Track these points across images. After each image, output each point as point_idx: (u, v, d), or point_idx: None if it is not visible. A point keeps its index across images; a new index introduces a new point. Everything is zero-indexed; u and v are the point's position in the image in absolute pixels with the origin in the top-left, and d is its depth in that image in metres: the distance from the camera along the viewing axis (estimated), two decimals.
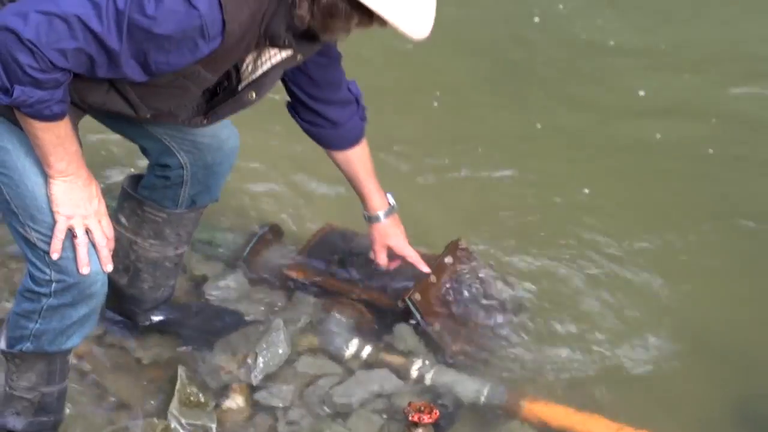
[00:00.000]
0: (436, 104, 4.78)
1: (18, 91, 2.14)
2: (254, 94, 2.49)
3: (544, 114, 4.70)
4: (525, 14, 5.28)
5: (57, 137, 2.30)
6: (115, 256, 2.79)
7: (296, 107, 2.84)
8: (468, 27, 5.03)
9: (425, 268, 3.11)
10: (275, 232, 3.48)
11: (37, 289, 2.51)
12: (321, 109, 2.79)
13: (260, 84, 2.48)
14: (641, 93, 4.71)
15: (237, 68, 2.47)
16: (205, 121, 2.59)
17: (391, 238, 3.06)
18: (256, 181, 3.91)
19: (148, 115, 2.54)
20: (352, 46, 2.62)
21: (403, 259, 3.09)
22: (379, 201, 3.00)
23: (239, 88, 2.48)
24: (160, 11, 2.09)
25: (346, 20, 2.24)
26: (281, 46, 2.38)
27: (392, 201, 3.05)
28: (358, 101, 2.87)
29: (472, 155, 4.31)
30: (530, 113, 4.73)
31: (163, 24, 2.12)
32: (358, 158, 2.93)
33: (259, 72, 2.45)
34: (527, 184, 4.09)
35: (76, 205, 2.41)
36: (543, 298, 3.49)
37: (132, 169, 3.64)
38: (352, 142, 2.90)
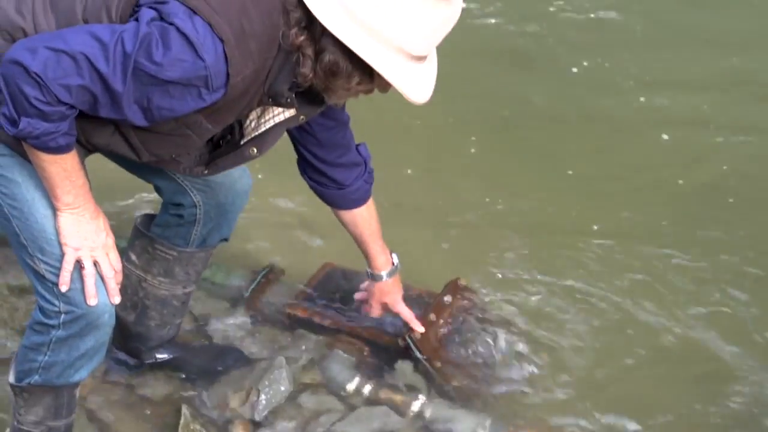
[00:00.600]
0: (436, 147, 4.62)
1: (24, 122, 2.15)
2: (255, 150, 2.51)
3: (551, 156, 4.60)
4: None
5: (64, 170, 2.30)
6: (124, 293, 2.80)
7: (303, 165, 2.86)
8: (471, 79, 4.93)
9: (419, 327, 3.10)
10: (277, 271, 3.47)
11: (46, 321, 2.51)
12: (327, 170, 2.81)
13: (262, 141, 2.49)
14: (665, 137, 4.63)
15: (240, 123, 2.49)
16: (206, 171, 2.60)
17: (390, 295, 3.09)
18: (259, 219, 3.87)
19: (150, 161, 2.56)
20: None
21: (398, 315, 3.12)
22: (384, 261, 3.02)
23: (241, 142, 2.49)
24: (167, 58, 2.11)
25: (347, 79, 2.26)
26: (284, 105, 2.40)
27: (396, 261, 3.07)
28: (366, 164, 2.87)
29: (471, 193, 4.27)
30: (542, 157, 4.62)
31: (168, 71, 2.13)
32: (363, 219, 2.94)
33: (262, 129, 2.46)
34: (529, 223, 4.06)
35: (84, 237, 2.41)
36: (542, 337, 3.45)
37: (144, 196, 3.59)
38: (357, 203, 2.91)
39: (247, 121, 2.48)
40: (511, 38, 5.46)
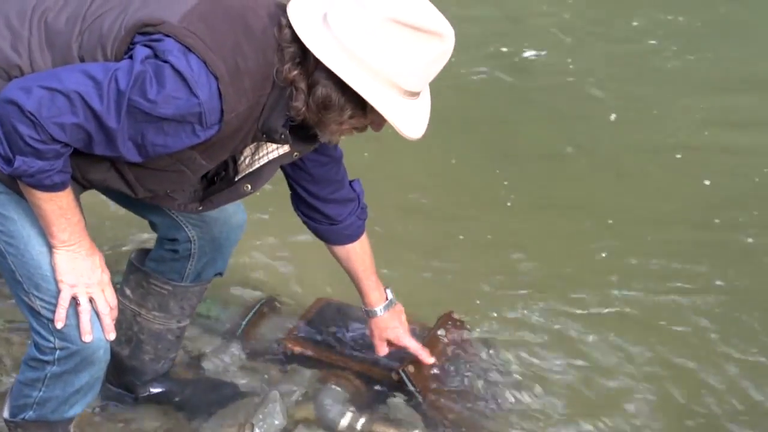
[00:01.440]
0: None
1: (19, 161, 2.15)
2: (249, 186, 2.52)
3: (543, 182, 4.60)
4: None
5: (59, 208, 2.30)
6: (118, 327, 2.77)
7: (296, 201, 2.85)
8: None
9: (428, 359, 3.07)
10: (271, 305, 3.46)
11: (41, 357, 2.50)
12: (319, 205, 2.80)
13: (256, 177, 2.50)
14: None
15: (235, 159, 2.50)
16: (200, 208, 2.60)
17: (390, 331, 3.04)
18: (252, 254, 3.90)
19: (145, 197, 2.55)
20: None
21: (404, 349, 3.07)
22: (377, 297, 2.99)
23: (236, 179, 2.50)
24: (161, 96, 2.11)
25: (340, 113, 2.26)
26: (278, 141, 2.40)
27: (390, 295, 3.04)
28: (359, 200, 2.87)
29: (462, 224, 4.29)
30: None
31: (162, 108, 2.13)
32: (356, 254, 2.93)
33: (256, 165, 2.47)
34: (522, 258, 4.03)
35: (80, 274, 2.41)
36: (536, 368, 3.46)
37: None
38: (350, 238, 2.90)
39: (242, 158, 2.48)
40: None
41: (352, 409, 3.10)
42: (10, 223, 2.36)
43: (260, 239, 3.99)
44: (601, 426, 3.25)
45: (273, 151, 2.48)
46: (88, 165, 2.34)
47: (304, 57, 2.18)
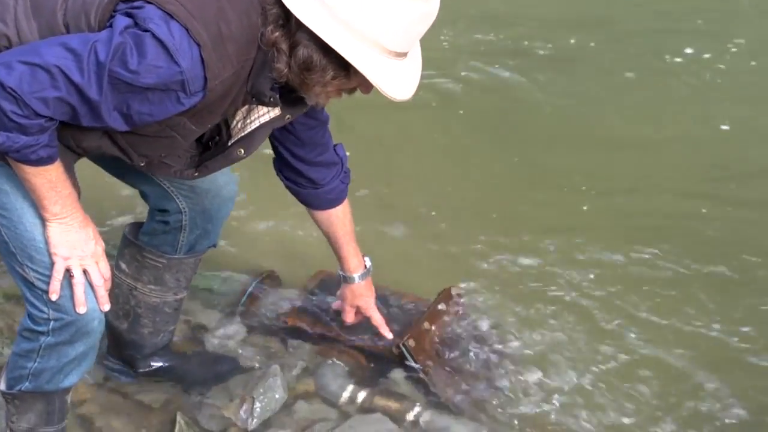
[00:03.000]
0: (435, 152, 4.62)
1: (3, 136, 2.15)
2: (243, 151, 2.50)
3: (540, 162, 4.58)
4: None
5: (48, 181, 2.30)
6: (116, 302, 2.90)
7: (280, 164, 2.85)
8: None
9: (388, 333, 3.12)
10: (272, 279, 3.46)
11: (35, 327, 2.50)
12: (303, 169, 2.80)
13: (249, 141, 2.49)
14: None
15: (228, 124, 2.48)
16: (196, 174, 2.59)
17: (362, 299, 3.08)
18: (252, 227, 3.90)
19: (142, 164, 2.54)
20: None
21: (368, 319, 3.11)
22: (356, 263, 3.01)
23: (229, 143, 2.48)
24: (142, 66, 2.11)
25: (322, 74, 2.23)
26: (268, 104, 2.40)
27: (369, 264, 3.08)
28: (342, 163, 2.87)
29: (463, 201, 4.28)
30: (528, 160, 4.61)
31: (144, 78, 2.13)
32: (337, 219, 2.93)
33: (248, 129, 2.45)
34: (524, 232, 4.02)
35: (73, 246, 2.41)
36: (536, 345, 3.43)
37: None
38: (332, 203, 2.90)
39: (234, 122, 2.48)
40: None
41: (352, 382, 3.11)
42: (3, 195, 2.37)
43: (260, 212, 3.97)
44: (604, 405, 3.24)
45: (264, 114, 2.46)
46: (81, 133, 2.35)
47: (287, 19, 2.16)
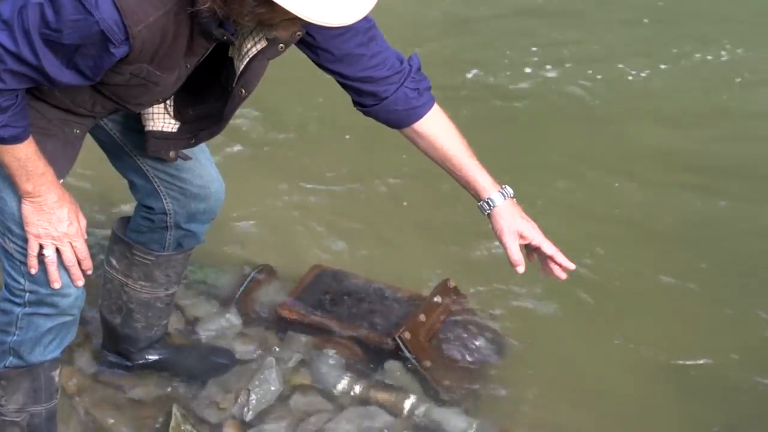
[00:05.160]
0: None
1: None
2: (243, 90, 2.43)
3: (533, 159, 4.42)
4: None
5: (17, 160, 2.30)
6: (108, 297, 2.95)
7: (350, 94, 2.57)
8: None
9: (569, 264, 2.52)
10: (268, 271, 3.43)
11: (11, 298, 2.53)
12: (357, 86, 2.53)
13: (245, 79, 2.41)
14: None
15: (233, 66, 2.42)
16: (216, 124, 2.53)
17: (521, 224, 2.52)
18: (249, 220, 3.84)
19: (139, 111, 2.51)
20: None
21: (539, 252, 2.52)
22: (489, 181, 2.51)
23: (232, 85, 2.43)
24: (61, 23, 2.08)
25: (240, 3, 2.09)
26: (222, 41, 2.28)
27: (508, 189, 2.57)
28: (403, 70, 2.54)
29: (460, 196, 4.23)
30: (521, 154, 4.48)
31: (67, 34, 2.10)
32: (433, 132, 2.55)
33: (240, 67, 2.40)
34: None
35: (44, 226, 2.41)
36: (529, 338, 3.44)
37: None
38: (410, 115, 2.54)
39: (235, 64, 2.43)
40: None
41: (348, 374, 3.11)
42: None
43: (255, 206, 3.94)
44: (593, 390, 3.22)
45: (251, 48, 2.38)
46: (73, 96, 2.36)
47: None
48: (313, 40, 2.39)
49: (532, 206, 3.88)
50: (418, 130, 2.52)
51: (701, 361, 3.50)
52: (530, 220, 2.50)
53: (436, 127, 2.52)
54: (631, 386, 3.30)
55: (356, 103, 2.53)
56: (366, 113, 2.53)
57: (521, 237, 2.46)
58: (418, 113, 2.50)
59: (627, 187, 4.35)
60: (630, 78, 5.03)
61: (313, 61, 2.45)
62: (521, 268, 2.45)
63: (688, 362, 3.47)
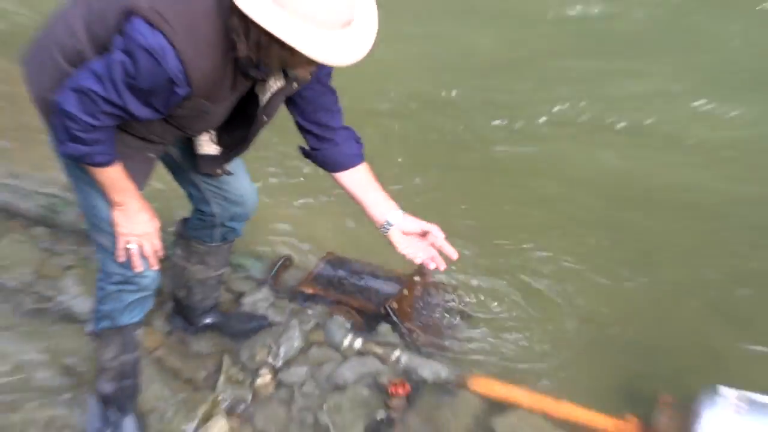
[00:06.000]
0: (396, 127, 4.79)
1: (71, 147, 2.43)
2: (265, 117, 2.62)
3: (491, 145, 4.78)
4: None
5: (108, 179, 2.54)
6: (175, 279, 3.27)
7: (306, 139, 2.78)
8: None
9: (453, 254, 2.70)
10: (290, 260, 3.79)
11: (106, 279, 2.82)
12: (319, 132, 2.74)
13: (268, 109, 2.60)
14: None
15: (257, 100, 2.58)
16: (243, 145, 2.71)
17: (412, 225, 2.75)
18: (277, 222, 4.15)
19: (197, 135, 2.72)
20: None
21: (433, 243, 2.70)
22: (391, 204, 2.76)
23: (257, 113, 2.59)
24: (139, 73, 2.26)
25: (267, 51, 2.28)
26: (258, 78, 2.47)
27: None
28: (353, 133, 2.76)
29: (433, 185, 4.46)
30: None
31: (143, 82, 2.28)
32: (360, 176, 2.79)
33: (265, 99, 2.56)
34: (479, 225, 4.22)
35: (128, 227, 2.67)
36: (488, 306, 3.78)
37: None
38: (353, 160, 2.78)
39: (260, 98, 2.57)
40: None
41: (351, 333, 3.45)
42: (84, 187, 2.67)
43: (280, 209, 4.23)
44: (535, 344, 3.57)
45: (273, 86, 2.54)
46: (148, 125, 2.56)
47: (241, 14, 2.22)
48: (299, 96, 2.63)
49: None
50: (349, 172, 2.74)
51: (620, 323, 3.70)
52: (422, 222, 2.71)
53: (362, 170, 2.74)
54: (558, 339, 3.62)
55: (315, 150, 2.72)
56: (321, 161, 2.73)
57: (427, 238, 2.69)
58: (356, 160, 2.74)
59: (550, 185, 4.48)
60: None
61: (293, 110, 2.69)
62: (430, 263, 2.68)
63: (609, 320, 3.70)
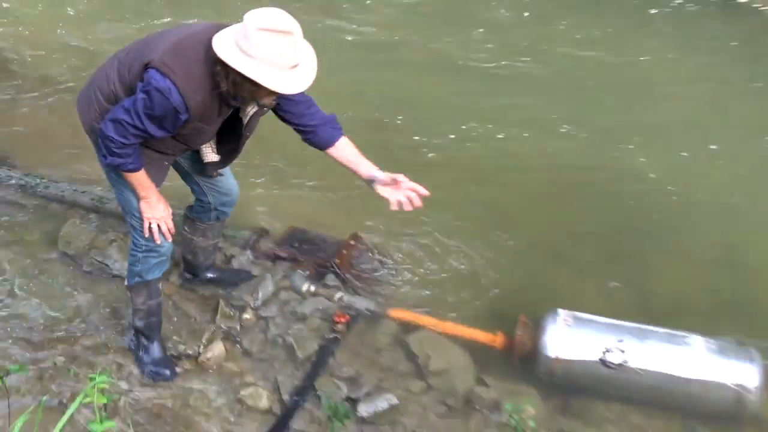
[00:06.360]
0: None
1: (110, 159, 2.84)
2: (248, 134, 2.99)
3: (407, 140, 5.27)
4: None
5: (137, 180, 2.97)
6: (185, 246, 3.78)
7: (302, 136, 3.09)
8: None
9: (423, 191, 2.98)
10: (265, 232, 4.27)
11: (136, 248, 3.27)
12: (303, 128, 3.07)
13: (249, 126, 2.97)
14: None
15: (241, 120, 2.91)
16: (234, 153, 3.11)
17: (384, 176, 3.04)
18: (256, 206, 4.58)
19: (198, 147, 3.05)
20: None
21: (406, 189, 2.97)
22: (371, 165, 3.06)
23: (242, 130, 2.95)
24: (154, 105, 2.64)
25: (241, 87, 2.63)
26: (238, 106, 2.82)
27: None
28: (330, 121, 3.07)
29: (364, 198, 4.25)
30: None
31: (157, 111, 2.66)
32: (344, 150, 3.09)
33: (246, 120, 2.91)
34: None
35: (151, 213, 3.11)
36: (404, 261, 4.31)
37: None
38: (332, 139, 3.07)
39: (243, 120, 2.90)
40: None
41: (307, 282, 3.98)
42: (121, 186, 3.08)
43: (260, 196, 4.68)
44: (441, 286, 4.11)
45: (250, 111, 2.87)
46: (162, 142, 2.90)
47: (223, 62, 2.61)
48: (283, 110, 2.99)
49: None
50: (335, 147, 3.12)
51: (500, 271, 4.19)
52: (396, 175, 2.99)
53: (344, 145, 3.11)
54: (452, 281, 4.19)
55: (308, 138, 3.11)
56: (314, 144, 3.12)
57: (395, 182, 3.00)
58: (334, 138, 3.11)
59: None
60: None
61: (282, 119, 3.05)
62: (395, 206, 2.99)
63: (491, 270, 4.14)
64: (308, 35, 2.71)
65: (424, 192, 2.96)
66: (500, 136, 5.53)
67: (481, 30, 6.67)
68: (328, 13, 6.60)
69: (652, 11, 7.20)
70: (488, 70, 6.36)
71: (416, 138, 5.47)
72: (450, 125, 5.61)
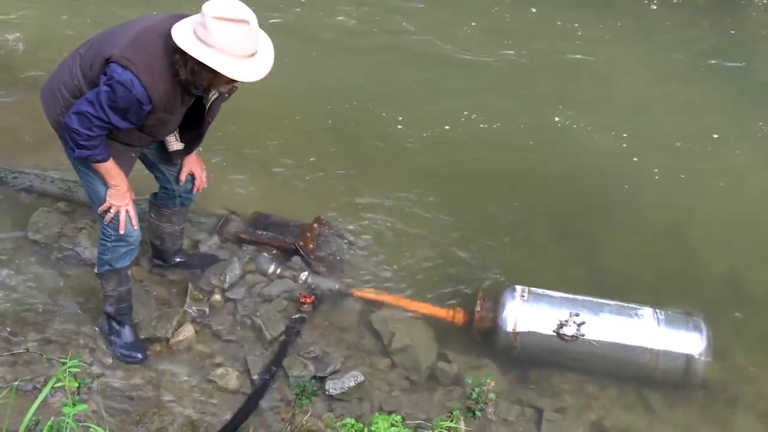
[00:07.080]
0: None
1: (78, 152, 2.87)
2: (210, 119, 3.07)
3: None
4: None
5: (105, 170, 3.01)
6: (152, 232, 3.79)
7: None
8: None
9: (205, 182, 3.38)
10: (230, 216, 4.27)
11: (104, 237, 3.29)
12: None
13: (211, 112, 3.05)
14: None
15: (204, 106, 2.96)
16: (197, 138, 3.19)
17: (193, 164, 3.36)
18: (221, 192, 4.51)
19: (164, 138, 3.12)
20: None
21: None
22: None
23: (205, 116, 3.01)
24: (117, 97, 2.68)
25: (200, 75, 2.66)
26: (200, 94, 2.86)
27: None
28: None
29: (324, 165, 4.91)
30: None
31: (121, 102, 2.69)
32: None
33: (208, 106, 2.99)
34: (356, 182, 4.78)
35: (119, 200, 3.13)
36: (366, 244, 4.37)
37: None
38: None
39: (206, 106, 2.97)
40: None
41: (273, 264, 4.05)
42: (89, 176, 3.09)
43: (225, 182, 4.67)
44: (397, 266, 4.17)
45: (212, 97, 2.94)
46: (128, 134, 2.93)
47: (182, 52, 2.63)
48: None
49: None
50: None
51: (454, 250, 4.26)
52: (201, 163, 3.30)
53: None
54: (415, 266, 4.22)
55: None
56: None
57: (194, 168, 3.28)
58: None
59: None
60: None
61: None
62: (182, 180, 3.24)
63: (448, 250, 4.21)
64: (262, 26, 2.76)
65: (201, 183, 3.34)
66: (455, 120, 5.62)
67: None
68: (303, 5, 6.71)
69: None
70: (443, 56, 6.45)
71: (374, 126, 5.52)
72: (405, 111, 5.69)
